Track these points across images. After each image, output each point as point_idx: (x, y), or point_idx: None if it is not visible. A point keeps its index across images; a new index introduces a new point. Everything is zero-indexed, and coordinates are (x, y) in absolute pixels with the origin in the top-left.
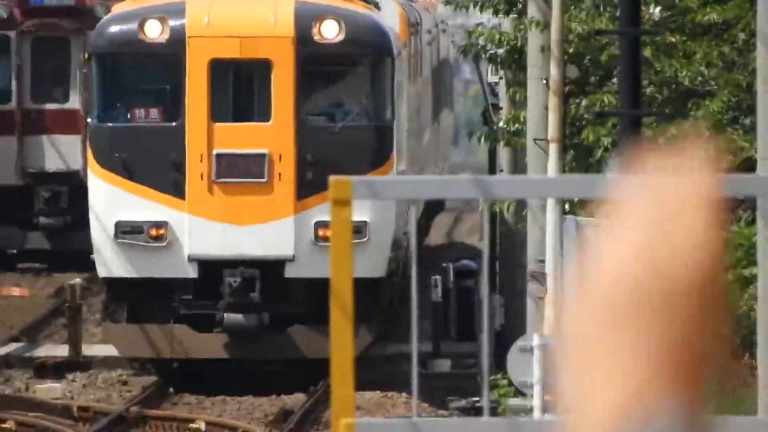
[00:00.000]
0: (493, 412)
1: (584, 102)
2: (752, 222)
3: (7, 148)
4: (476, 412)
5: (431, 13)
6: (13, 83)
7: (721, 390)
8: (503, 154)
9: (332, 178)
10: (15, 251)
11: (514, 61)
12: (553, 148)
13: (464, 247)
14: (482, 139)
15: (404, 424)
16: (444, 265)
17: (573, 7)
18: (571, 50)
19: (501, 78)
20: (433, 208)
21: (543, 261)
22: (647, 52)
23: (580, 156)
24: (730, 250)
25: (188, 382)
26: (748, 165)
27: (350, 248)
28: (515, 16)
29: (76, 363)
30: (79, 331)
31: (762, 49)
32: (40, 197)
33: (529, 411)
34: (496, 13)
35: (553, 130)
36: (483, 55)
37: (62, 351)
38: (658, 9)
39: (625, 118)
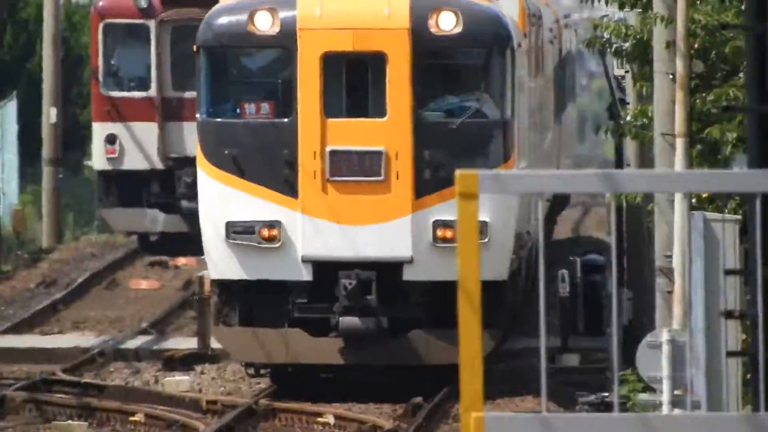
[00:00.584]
0: (623, 407)
1: (710, 97)
2: None
3: (149, 133)
4: (606, 407)
5: (553, 8)
6: (153, 71)
7: None
8: (630, 148)
9: (459, 172)
10: (156, 237)
11: (640, 55)
12: (680, 143)
13: (591, 241)
14: (608, 133)
15: (533, 419)
16: (571, 259)
17: (698, 1)
18: (696, 45)
19: (627, 72)
20: (558, 204)
21: (670, 256)
22: None
23: (707, 151)
24: None
25: (302, 387)
26: None
27: (477, 242)
28: (640, 9)
29: (205, 355)
30: (207, 323)
31: None
32: (181, 181)
33: (658, 406)
34: (621, 6)
35: (680, 125)
36: (608, 49)
37: (191, 344)
38: None
39: (752, 113)
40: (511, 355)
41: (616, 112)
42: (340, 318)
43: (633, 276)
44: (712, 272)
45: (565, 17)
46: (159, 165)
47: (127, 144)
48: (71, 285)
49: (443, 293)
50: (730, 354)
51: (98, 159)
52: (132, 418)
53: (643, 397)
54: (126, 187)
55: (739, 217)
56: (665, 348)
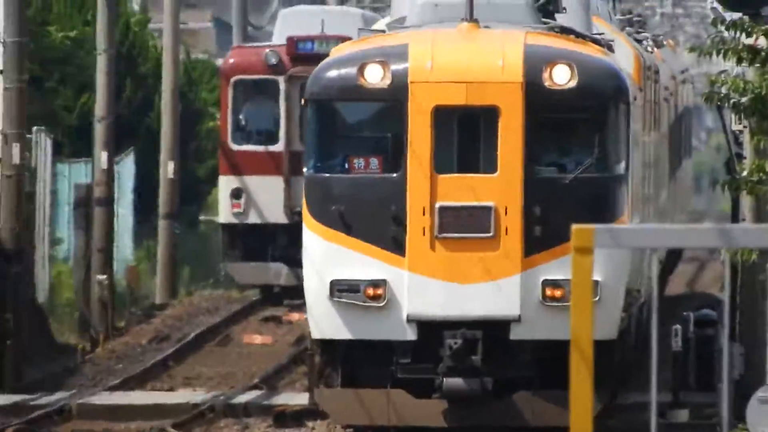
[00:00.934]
0: None
1: None
2: None
3: (275, 187)
4: None
5: (670, 64)
6: (282, 126)
7: None
8: (746, 203)
9: (575, 227)
10: (278, 290)
11: (758, 110)
12: None
13: (704, 296)
14: (725, 188)
15: None
16: (684, 314)
17: None
18: None
19: (745, 127)
20: (671, 260)
21: None
22: None
23: None
24: None
25: None
26: None
27: (591, 298)
28: (759, 64)
29: (316, 411)
30: None
31: None
32: None
33: None
34: (739, 61)
35: None
36: (726, 104)
37: (302, 399)
38: None
39: None
40: (621, 410)
41: (733, 166)
42: (444, 379)
43: (746, 330)
44: None
45: (683, 72)
46: (284, 219)
47: (252, 198)
48: (183, 340)
49: (550, 353)
50: None
51: (224, 213)
52: None
53: None
54: (251, 241)
55: None
56: None
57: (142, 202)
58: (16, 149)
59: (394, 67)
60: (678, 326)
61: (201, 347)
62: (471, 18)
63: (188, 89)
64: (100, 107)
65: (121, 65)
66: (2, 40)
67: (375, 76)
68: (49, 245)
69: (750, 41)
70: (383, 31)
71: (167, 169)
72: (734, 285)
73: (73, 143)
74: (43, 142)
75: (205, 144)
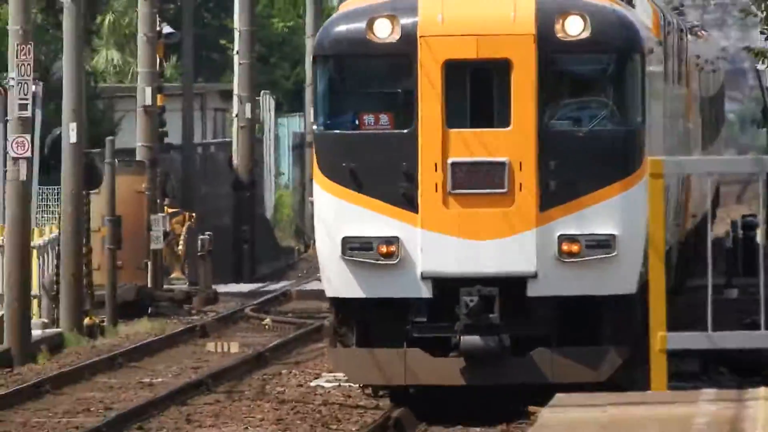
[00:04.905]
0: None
1: None
2: None
3: None
4: (756, 327)
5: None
6: None
7: None
8: None
9: (650, 159)
10: None
11: None
12: None
13: (749, 209)
14: (760, 126)
15: (703, 335)
16: (733, 220)
17: None
18: None
19: None
20: (714, 205)
21: None
22: None
23: None
24: None
25: (425, 410)
26: None
27: (663, 210)
28: None
29: None
30: None
31: None
32: None
33: None
34: None
35: None
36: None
37: None
38: None
39: None
40: (690, 291)
41: (765, 113)
42: (461, 337)
43: None
44: None
45: (720, 53)
46: None
47: None
48: None
49: (568, 310)
50: None
51: None
52: None
53: None
54: None
55: None
56: None
57: None
58: (248, 107)
59: (403, 21)
60: (729, 229)
61: None
62: None
63: None
64: (308, 77)
65: None
66: (238, 29)
67: (384, 31)
68: (274, 177)
69: None
70: None
71: None
72: None
73: (290, 103)
74: (267, 102)
75: None
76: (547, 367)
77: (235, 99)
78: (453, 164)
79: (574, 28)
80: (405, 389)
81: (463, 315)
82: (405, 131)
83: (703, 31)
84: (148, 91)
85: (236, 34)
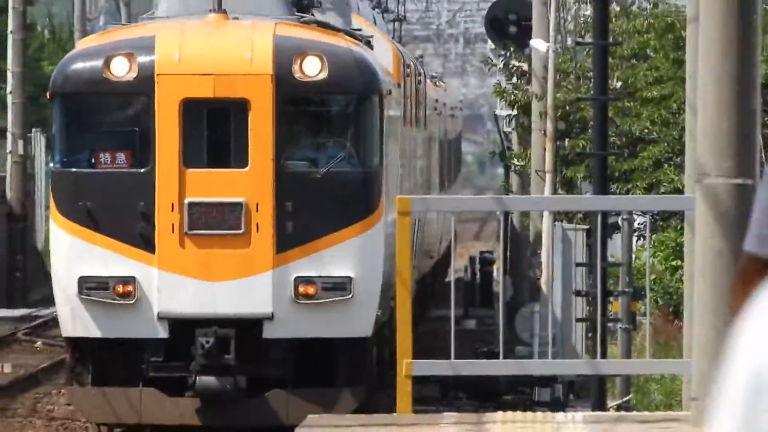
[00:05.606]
0: (506, 356)
1: (568, 145)
2: (680, 229)
3: None
4: (493, 355)
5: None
6: None
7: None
8: (513, 181)
9: (398, 197)
10: None
11: (523, 116)
12: (548, 177)
13: (487, 245)
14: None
15: (446, 363)
16: (471, 256)
17: (561, 79)
18: (560, 112)
19: (513, 129)
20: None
21: (538, 253)
22: (611, 113)
23: (565, 183)
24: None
25: None
26: (678, 191)
27: (410, 245)
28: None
29: None
30: None
31: (689, 112)
32: None
33: (529, 356)
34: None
35: (548, 165)
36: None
37: None
38: (619, 83)
39: (596, 157)
40: (429, 321)
41: (504, 154)
42: (197, 378)
43: (513, 267)
44: (567, 264)
45: (458, 104)
46: None
47: None
48: None
49: (304, 351)
50: (578, 320)
51: None
52: None
53: (519, 348)
54: None
55: (586, 226)
56: (534, 316)
57: None
58: (20, 144)
59: (140, 59)
60: (467, 264)
61: None
62: (219, 9)
63: None
64: None
65: None
66: (11, 70)
67: (121, 69)
68: (45, 210)
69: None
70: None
71: None
72: (506, 236)
73: None
74: (39, 140)
75: None
76: (282, 408)
77: (9, 136)
78: (190, 204)
79: (311, 69)
80: (142, 428)
81: (199, 356)
82: (142, 170)
83: (442, 82)
84: None
85: (9, 75)
